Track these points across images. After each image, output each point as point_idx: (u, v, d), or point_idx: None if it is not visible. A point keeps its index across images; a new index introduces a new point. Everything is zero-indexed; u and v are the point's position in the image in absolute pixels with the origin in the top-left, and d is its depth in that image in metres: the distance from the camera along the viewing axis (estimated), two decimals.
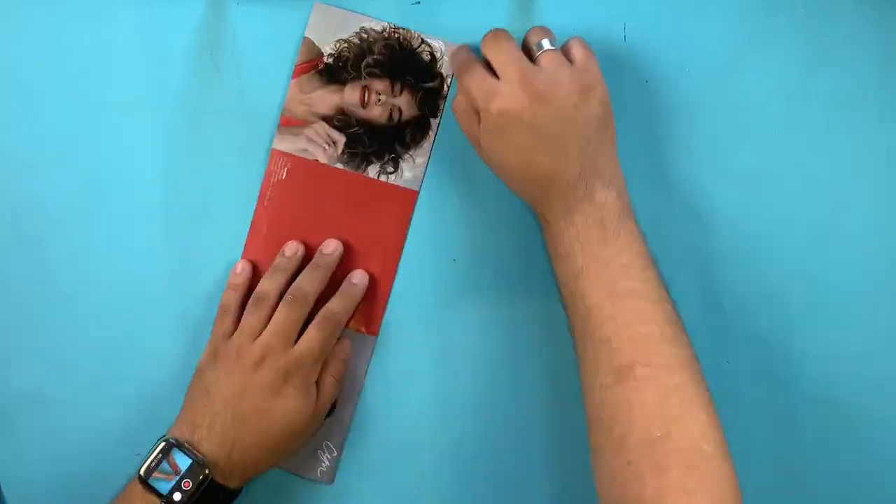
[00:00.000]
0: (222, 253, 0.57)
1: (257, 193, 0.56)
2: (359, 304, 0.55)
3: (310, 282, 0.53)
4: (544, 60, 0.48)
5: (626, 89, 0.55)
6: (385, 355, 0.56)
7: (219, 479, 0.49)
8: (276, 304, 0.52)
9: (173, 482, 0.48)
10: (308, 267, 0.54)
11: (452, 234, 0.56)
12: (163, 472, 0.49)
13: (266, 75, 0.56)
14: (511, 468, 0.58)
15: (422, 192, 0.56)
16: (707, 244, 0.55)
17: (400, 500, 0.58)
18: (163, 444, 0.49)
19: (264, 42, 0.56)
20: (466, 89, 0.48)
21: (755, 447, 0.57)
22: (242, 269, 0.55)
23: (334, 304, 0.53)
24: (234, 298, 0.54)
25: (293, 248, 0.54)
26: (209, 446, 0.49)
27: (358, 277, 0.54)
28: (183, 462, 0.48)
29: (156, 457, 0.49)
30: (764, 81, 0.54)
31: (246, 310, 0.52)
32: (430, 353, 0.57)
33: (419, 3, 0.55)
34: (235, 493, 0.51)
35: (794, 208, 0.55)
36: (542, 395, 0.57)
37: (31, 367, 0.58)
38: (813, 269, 0.55)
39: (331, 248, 0.54)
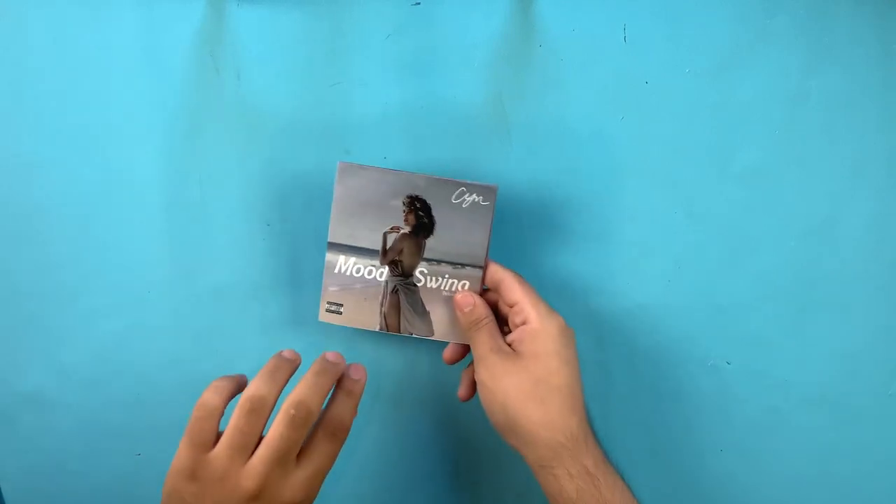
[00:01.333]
0: (222, 252, 0.57)
1: (256, 193, 0.56)
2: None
3: (315, 395, 0.43)
4: None
5: (626, 89, 0.55)
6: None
7: None
8: (270, 413, 0.43)
9: None
10: (311, 372, 0.44)
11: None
12: None
13: (265, 76, 0.56)
14: (511, 470, 0.58)
15: None
16: (707, 243, 0.55)
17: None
18: None
19: (264, 42, 0.56)
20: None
21: (755, 447, 0.57)
22: (240, 379, 0.46)
23: (337, 410, 0.45)
24: (220, 399, 0.43)
25: (293, 354, 0.46)
26: None
27: (358, 373, 0.46)
28: None
29: None
30: (764, 81, 0.54)
31: (234, 417, 0.42)
32: (431, 353, 0.57)
33: (419, 3, 0.55)
34: None
35: (793, 207, 0.55)
36: None
37: (32, 367, 0.58)
38: (813, 269, 0.55)
39: (336, 357, 0.46)
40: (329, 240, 0.52)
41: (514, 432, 0.47)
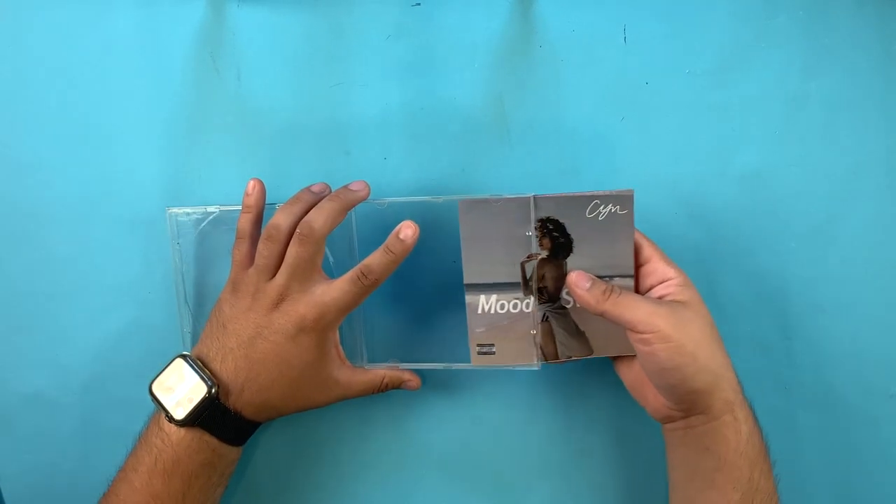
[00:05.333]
0: (223, 253, 0.57)
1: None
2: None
3: (321, 216, 0.48)
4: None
5: (626, 90, 0.55)
6: None
7: (229, 404, 0.48)
8: (289, 239, 0.49)
9: (179, 396, 0.48)
10: (323, 199, 0.50)
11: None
12: (170, 385, 0.49)
13: (265, 76, 0.56)
14: (510, 467, 0.58)
15: None
16: (707, 244, 0.55)
17: None
18: (176, 358, 0.50)
19: (264, 43, 0.56)
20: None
21: None
22: (253, 187, 0.51)
23: (373, 260, 0.49)
24: (248, 222, 0.51)
25: (321, 187, 0.52)
26: (222, 374, 0.48)
27: (409, 233, 0.49)
28: (191, 378, 0.48)
29: (165, 369, 0.49)
30: (764, 82, 0.54)
31: (259, 242, 0.49)
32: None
33: (419, 4, 0.55)
34: (251, 424, 0.50)
35: (794, 208, 0.55)
36: (545, 394, 0.57)
37: (31, 368, 0.58)
38: (813, 269, 0.55)
39: (358, 186, 0.51)
40: (465, 281, 0.50)
41: (700, 381, 0.45)
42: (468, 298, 0.50)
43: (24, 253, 0.58)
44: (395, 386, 0.54)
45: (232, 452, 0.51)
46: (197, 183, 0.57)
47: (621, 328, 0.48)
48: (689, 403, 0.46)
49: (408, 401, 0.57)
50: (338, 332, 0.51)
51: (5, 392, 0.59)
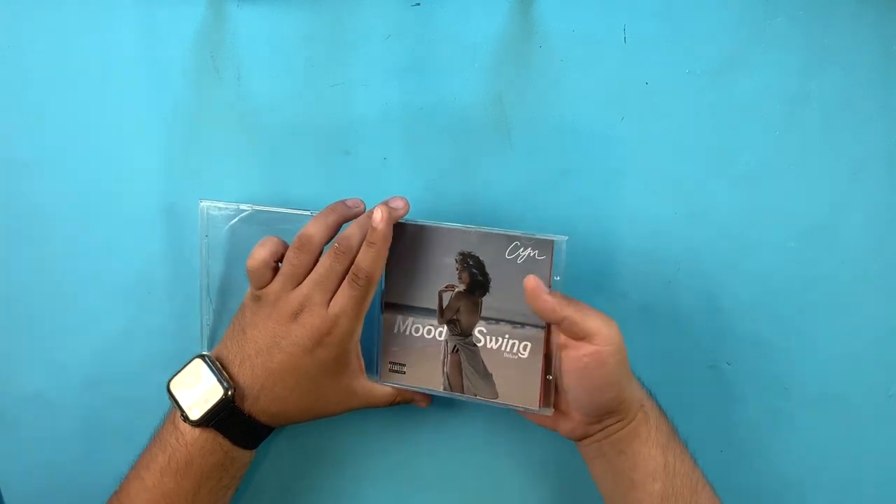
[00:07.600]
0: (223, 253, 0.57)
1: (255, 194, 0.56)
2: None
3: (360, 233, 0.48)
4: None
5: (626, 90, 0.55)
6: None
7: (244, 409, 0.48)
8: (320, 251, 0.49)
9: (195, 396, 0.48)
10: (362, 216, 0.49)
11: None
12: (187, 384, 0.49)
13: (265, 76, 0.56)
14: (511, 469, 0.58)
15: None
16: (707, 244, 0.55)
17: None
18: (195, 358, 0.50)
19: (264, 44, 0.56)
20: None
21: (755, 447, 0.57)
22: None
23: (360, 258, 0.47)
24: (266, 253, 0.50)
25: (356, 201, 0.50)
26: (239, 378, 0.48)
27: (377, 217, 0.47)
28: (208, 378, 0.48)
29: (184, 368, 0.50)
30: (764, 82, 0.54)
31: (288, 251, 0.49)
32: None
33: (419, 3, 0.55)
34: (265, 429, 0.51)
35: (794, 208, 0.55)
36: None
37: (31, 368, 0.58)
38: (813, 269, 0.55)
39: (398, 203, 0.49)
40: (385, 300, 0.51)
41: (629, 390, 0.47)
42: (385, 316, 0.51)
43: (24, 252, 0.58)
44: (407, 402, 0.54)
45: (244, 455, 0.51)
46: (197, 183, 0.57)
47: (529, 379, 0.48)
48: (611, 413, 0.47)
49: (410, 406, 0.57)
50: (359, 344, 0.51)
51: (6, 392, 0.59)
